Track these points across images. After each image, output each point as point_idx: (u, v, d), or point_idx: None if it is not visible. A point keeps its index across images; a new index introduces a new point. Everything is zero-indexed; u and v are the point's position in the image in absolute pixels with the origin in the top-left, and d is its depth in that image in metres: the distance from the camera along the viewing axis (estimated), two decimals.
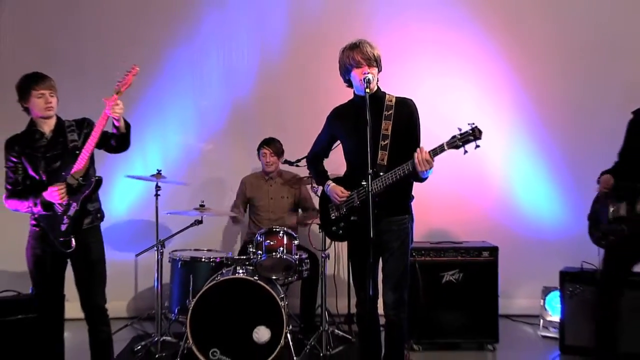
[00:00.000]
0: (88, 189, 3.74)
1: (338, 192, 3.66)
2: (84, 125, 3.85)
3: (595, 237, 4.13)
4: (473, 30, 5.89)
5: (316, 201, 4.41)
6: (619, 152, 4.19)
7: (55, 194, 3.63)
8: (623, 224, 3.88)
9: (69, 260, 3.82)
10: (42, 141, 3.75)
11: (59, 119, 3.82)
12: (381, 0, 5.93)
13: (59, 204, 3.67)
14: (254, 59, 6.04)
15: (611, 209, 3.98)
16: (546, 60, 5.80)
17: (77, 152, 3.72)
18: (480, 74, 5.94)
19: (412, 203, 3.71)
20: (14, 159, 3.75)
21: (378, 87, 3.65)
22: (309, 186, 5.31)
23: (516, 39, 5.89)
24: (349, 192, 3.64)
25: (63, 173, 3.71)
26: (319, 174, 3.93)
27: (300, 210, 5.51)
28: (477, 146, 3.37)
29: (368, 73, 3.51)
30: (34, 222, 3.77)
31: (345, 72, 3.63)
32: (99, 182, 3.77)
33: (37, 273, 3.79)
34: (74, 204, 3.70)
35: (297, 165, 5.18)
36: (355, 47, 3.56)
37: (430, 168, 3.41)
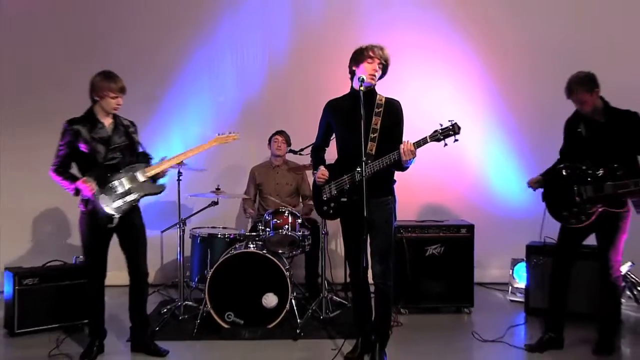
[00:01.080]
0: (154, 192, 3.88)
1: (319, 173, 3.71)
2: (134, 128, 3.95)
3: (565, 217, 3.97)
4: (453, 37, 5.89)
5: None
6: (560, 150, 4.13)
7: (85, 186, 3.68)
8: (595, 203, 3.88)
9: (114, 235, 3.87)
10: (104, 131, 3.78)
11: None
12: (373, 11, 5.91)
13: (117, 186, 3.74)
14: (263, 61, 6.04)
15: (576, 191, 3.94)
16: (516, 63, 5.80)
17: (150, 157, 3.94)
18: (459, 75, 5.94)
19: (394, 186, 3.74)
20: (69, 139, 3.73)
21: (373, 87, 3.67)
22: (309, 172, 5.32)
23: (490, 44, 5.89)
24: (327, 176, 3.69)
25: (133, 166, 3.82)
26: (317, 161, 3.93)
27: (300, 199, 5.53)
28: (456, 140, 3.40)
29: (377, 71, 3.55)
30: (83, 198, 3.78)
31: (357, 63, 3.61)
32: (163, 189, 3.94)
33: (88, 245, 3.84)
34: (136, 195, 3.79)
35: (300, 154, 5.19)
36: (377, 46, 3.59)
37: (413, 157, 3.45)
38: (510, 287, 5.41)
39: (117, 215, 3.72)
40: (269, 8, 6.02)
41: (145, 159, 3.95)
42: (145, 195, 3.85)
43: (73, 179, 3.75)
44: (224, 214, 5.75)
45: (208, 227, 5.10)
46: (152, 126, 5.81)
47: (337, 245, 5.94)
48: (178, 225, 4.81)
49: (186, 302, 4.82)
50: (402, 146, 3.43)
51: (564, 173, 3.95)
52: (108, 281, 3.96)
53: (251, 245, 4.54)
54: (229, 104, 6.04)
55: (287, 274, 4.43)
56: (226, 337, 4.30)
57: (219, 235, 4.79)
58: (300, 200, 5.54)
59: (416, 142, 3.44)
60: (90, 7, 5.89)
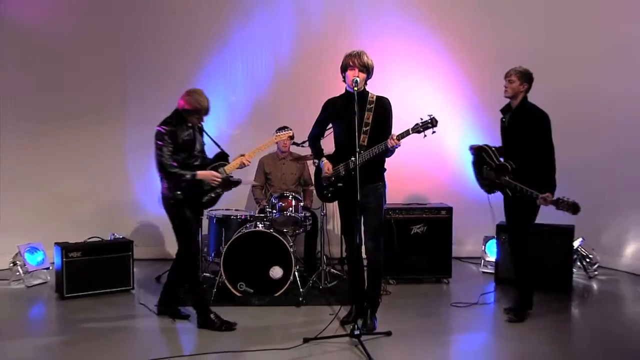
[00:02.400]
0: (232, 186, 3.93)
1: (325, 169, 3.72)
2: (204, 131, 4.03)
3: (479, 184, 4.26)
4: (434, 44, 5.88)
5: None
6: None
7: (209, 176, 3.75)
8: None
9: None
10: (190, 133, 3.81)
11: None
12: (366, 21, 5.89)
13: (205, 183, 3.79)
14: (270, 65, 6.02)
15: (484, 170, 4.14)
16: (487, 65, 5.71)
17: (227, 155, 3.97)
18: (440, 76, 5.93)
19: (385, 173, 3.76)
20: (170, 137, 3.71)
21: (364, 87, 3.66)
22: (310, 161, 5.30)
23: (464, 49, 5.86)
24: (334, 170, 3.70)
25: (215, 164, 3.88)
26: (317, 151, 3.95)
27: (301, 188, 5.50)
28: (434, 132, 3.45)
29: (357, 76, 3.53)
30: (176, 189, 3.73)
31: (343, 70, 3.64)
32: (240, 182, 4.01)
33: (191, 227, 3.86)
34: (220, 190, 3.88)
35: (303, 146, 5.16)
36: (355, 54, 3.58)
37: (398, 145, 3.50)
38: (482, 261, 5.44)
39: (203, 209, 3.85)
40: (274, 22, 6.00)
41: (224, 158, 3.99)
42: (227, 189, 3.92)
43: (192, 169, 3.77)
44: (236, 198, 5.73)
45: (223, 210, 5.07)
46: None
47: (334, 225, 5.93)
48: None
49: (204, 274, 4.84)
50: (388, 141, 3.48)
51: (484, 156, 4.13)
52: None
53: (260, 225, 4.54)
54: (240, 103, 6.03)
55: (291, 250, 4.44)
56: (239, 304, 4.33)
57: (232, 217, 4.79)
58: (301, 188, 5.51)
59: (400, 134, 3.49)
60: (120, 13, 5.84)
